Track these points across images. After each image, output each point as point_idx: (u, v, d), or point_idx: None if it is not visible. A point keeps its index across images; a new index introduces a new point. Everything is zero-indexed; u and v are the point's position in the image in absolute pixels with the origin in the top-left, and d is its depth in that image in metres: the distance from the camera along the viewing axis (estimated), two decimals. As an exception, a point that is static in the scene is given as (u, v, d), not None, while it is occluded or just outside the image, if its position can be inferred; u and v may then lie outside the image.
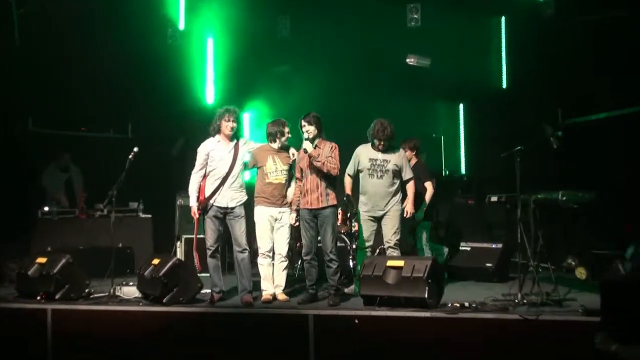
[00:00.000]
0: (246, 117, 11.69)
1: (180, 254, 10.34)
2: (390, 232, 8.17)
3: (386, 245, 8.20)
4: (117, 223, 8.74)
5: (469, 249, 9.85)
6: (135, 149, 8.18)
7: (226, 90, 11.84)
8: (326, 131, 8.03)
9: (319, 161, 7.68)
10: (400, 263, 7.44)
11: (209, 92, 11.99)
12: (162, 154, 11.67)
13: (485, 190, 9.78)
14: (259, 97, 11.41)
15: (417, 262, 7.40)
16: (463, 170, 12.20)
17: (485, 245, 9.77)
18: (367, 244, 8.22)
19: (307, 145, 7.74)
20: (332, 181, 7.89)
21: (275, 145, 8.06)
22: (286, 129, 8.04)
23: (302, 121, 7.91)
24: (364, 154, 8.18)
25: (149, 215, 11.22)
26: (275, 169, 8.04)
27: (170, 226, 10.92)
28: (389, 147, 8.20)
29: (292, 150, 8.10)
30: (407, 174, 8.28)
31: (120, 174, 8.12)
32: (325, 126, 7.99)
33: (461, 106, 12.45)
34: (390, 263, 7.49)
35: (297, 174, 7.95)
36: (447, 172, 11.95)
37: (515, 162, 7.56)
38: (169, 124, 11.78)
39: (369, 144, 8.21)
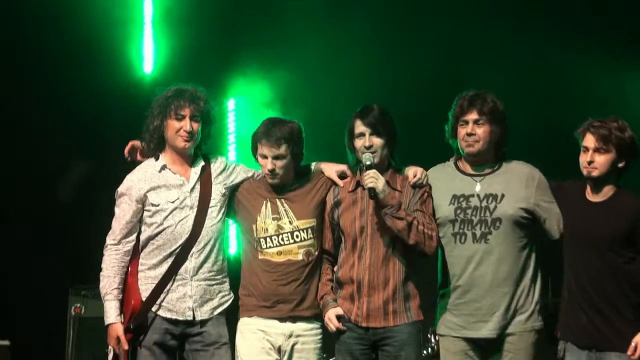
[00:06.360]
0: (230, 106, 8.62)
1: None
2: None
3: None
4: None
5: None
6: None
7: (182, 49, 8.27)
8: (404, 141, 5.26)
9: (399, 216, 4.86)
10: None
11: (147, 52, 8.47)
12: (37, 194, 8.02)
13: None
14: (251, 66, 8.09)
15: None
16: None
17: None
18: None
19: (373, 178, 4.85)
20: (420, 268, 5.21)
21: (277, 177, 5.19)
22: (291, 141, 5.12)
23: (358, 122, 5.02)
24: (440, 187, 5.10)
25: (5, 342, 7.75)
26: (276, 230, 5.28)
27: (55, 365, 7.82)
28: (494, 160, 4.99)
29: (335, 170, 5.19)
30: (557, 224, 4.85)
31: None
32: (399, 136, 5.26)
33: None
34: None
35: (326, 244, 5.20)
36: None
37: None
38: (56, 123, 8.02)
39: (449, 163, 5.17)
